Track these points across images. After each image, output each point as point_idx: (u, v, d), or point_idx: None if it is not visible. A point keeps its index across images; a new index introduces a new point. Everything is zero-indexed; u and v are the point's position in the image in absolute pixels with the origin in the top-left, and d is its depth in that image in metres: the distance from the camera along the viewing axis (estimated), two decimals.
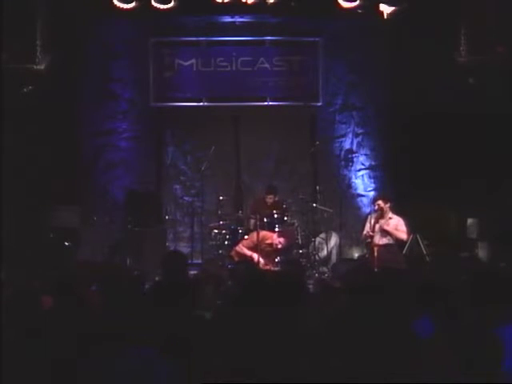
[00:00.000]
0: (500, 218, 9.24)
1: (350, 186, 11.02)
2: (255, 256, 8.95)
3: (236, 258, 9.04)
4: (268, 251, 9.18)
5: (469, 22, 9.71)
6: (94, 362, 3.12)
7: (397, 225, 8.72)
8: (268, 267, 8.96)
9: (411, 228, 8.98)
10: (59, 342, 3.33)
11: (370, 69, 10.85)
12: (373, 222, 8.79)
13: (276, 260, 9.22)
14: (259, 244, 9.03)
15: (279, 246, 9.14)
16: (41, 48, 9.67)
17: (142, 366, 3.08)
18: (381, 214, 8.80)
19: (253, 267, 6.71)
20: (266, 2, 10.00)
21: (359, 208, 10.94)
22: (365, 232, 8.93)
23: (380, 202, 8.80)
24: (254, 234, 9.18)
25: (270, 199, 9.87)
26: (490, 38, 9.49)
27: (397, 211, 8.88)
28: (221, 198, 10.08)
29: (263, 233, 9.22)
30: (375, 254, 8.62)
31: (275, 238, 9.15)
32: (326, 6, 10.10)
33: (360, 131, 11.11)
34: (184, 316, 3.65)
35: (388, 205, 8.80)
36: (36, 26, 9.61)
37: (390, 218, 8.77)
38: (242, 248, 9.13)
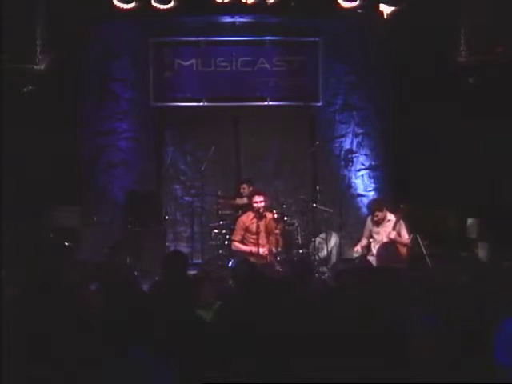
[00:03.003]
0: (500, 218, 9.24)
1: (350, 186, 11.03)
2: (255, 249, 8.70)
3: (236, 257, 8.88)
4: (263, 229, 8.84)
5: (469, 21, 9.71)
6: (94, 362, 3.13)
7: (399, 230, 8.71)
8: (275, 249, 8.78)
9: (411, 228, 8.97)
10: (59, 342, 3.33)
11: (369, 69, 10.86)
12: (375, 229, 8.83)
13: (277, 231, 8.94)
14: (248, 229, 8.81)
15: (262, 205, 8.76)
16: (41, 48, 9.66)
17: (141, 366, 3.09)
18: (381, 220, 8.82)
19: (253, 267, 6.67)
20: (266, 2, 10.00)
21: (359, 208, 10.94)
22: (358, 247, 8.91)
23: (377, 213, 8.79)
24: (237, 224, 8.98)
25: (243, 189, 9.84)
26: (490, 38, 9.48)
27: (396, 211, 8.87)
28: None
29: (243, 217, 8.97)
30: (374, 253, 8.62)
31: (255, 203, 8.76)
32: (325, 6, 10.09)
33: (360, 131, 11.12)
34: (184, 316, 3.66)
35: (384, 209, 8.82)
36: (36, 26, 9.61)
37: (389, 221, 8.78)
38: (237, 245, 8.96)
